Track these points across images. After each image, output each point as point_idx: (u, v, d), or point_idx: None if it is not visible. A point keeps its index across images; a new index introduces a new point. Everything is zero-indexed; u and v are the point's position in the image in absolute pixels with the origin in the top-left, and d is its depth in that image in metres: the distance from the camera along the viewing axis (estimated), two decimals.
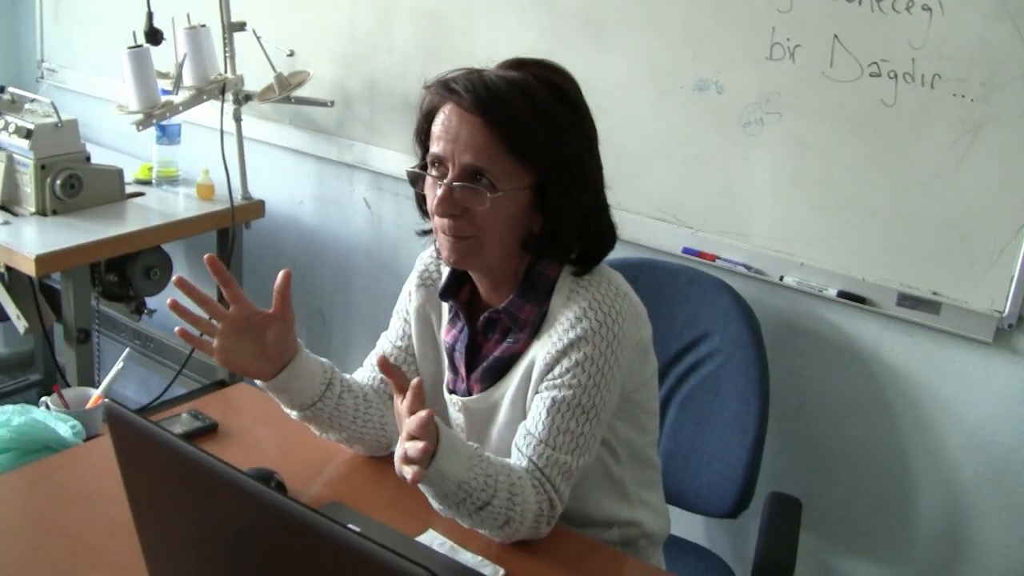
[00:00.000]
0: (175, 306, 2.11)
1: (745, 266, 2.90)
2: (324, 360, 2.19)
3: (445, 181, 1.97)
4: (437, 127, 2.00)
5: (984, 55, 2.47)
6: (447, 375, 2.24)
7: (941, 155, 2.56)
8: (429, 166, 2.03)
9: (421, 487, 1.90)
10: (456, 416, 2.21)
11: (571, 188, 2.00)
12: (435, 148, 2.00)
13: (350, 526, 1.24)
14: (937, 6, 2.49)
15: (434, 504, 1.95)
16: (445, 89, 1.99)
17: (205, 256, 2.09)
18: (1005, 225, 2.53)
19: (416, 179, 2.09)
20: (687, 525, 2.84)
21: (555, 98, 2.00)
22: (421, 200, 2.15)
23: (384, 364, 1.91)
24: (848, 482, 2.94)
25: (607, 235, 2.11)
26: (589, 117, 2.06)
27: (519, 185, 1.97)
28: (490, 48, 3.28)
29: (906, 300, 2.69)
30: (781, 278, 2.86)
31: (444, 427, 1.90)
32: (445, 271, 2.22)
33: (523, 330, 2.08)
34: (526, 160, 1.96)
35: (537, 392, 2.04)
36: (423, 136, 2.08)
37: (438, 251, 2.19)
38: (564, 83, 2.04)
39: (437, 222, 2.03)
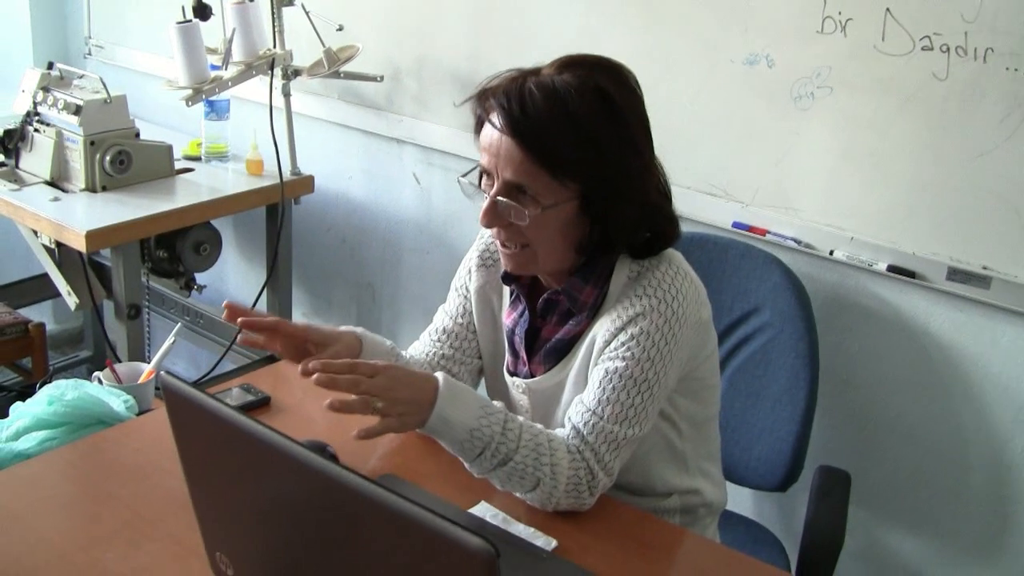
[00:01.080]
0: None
1: (795, 240, 2.90)
2: (386, 340, 2.22)
3: (490, 194, 1.99)
4: (484, 138, 2.01)
5: None
6: (508, 358, 2.25)
7: (992, 129, 2.55)
8: (482, 174, 2.05)
9: (440, 441, 1.96)
10: (520, 398, 2.22)
11: (615, 198, 2.00)
12: (483, 160, 2.02)
13: (406, 496, 1.25)
14: None
15: (465, 464, 1.99)
16: (486, 102, 2.00)
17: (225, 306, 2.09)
18: None
19: (461, 185, 2.12)
20: (737, 498, 2.84)
21: (597, 109, 1.97)
22: None
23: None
24: (897, 456, 2.93)
25: (670, 228, 2.11)
26: (636, 120, 2.04)
27: (561, 199, 1.98)
28: (539, 22, 3.28)
29: (956, 274, 2.68)
30: (831, 252, 2.85)
31: (446, 377, 1.94)
32: None
33: (583, 311, 2.09)
34: (564, 177, 1.96)
35: (595, 366, 2.05)
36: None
37: None
38: (610, 87, 2.00)
39: (492, 233, 2.07)
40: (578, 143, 1.95)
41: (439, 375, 1.94)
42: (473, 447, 1.93)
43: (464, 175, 2.11)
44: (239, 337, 2.16)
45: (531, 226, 1.98)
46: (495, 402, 1.99)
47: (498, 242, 2.08)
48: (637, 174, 2.03)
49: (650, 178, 2.07)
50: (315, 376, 1.83)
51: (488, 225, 2.02)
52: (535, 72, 2.01)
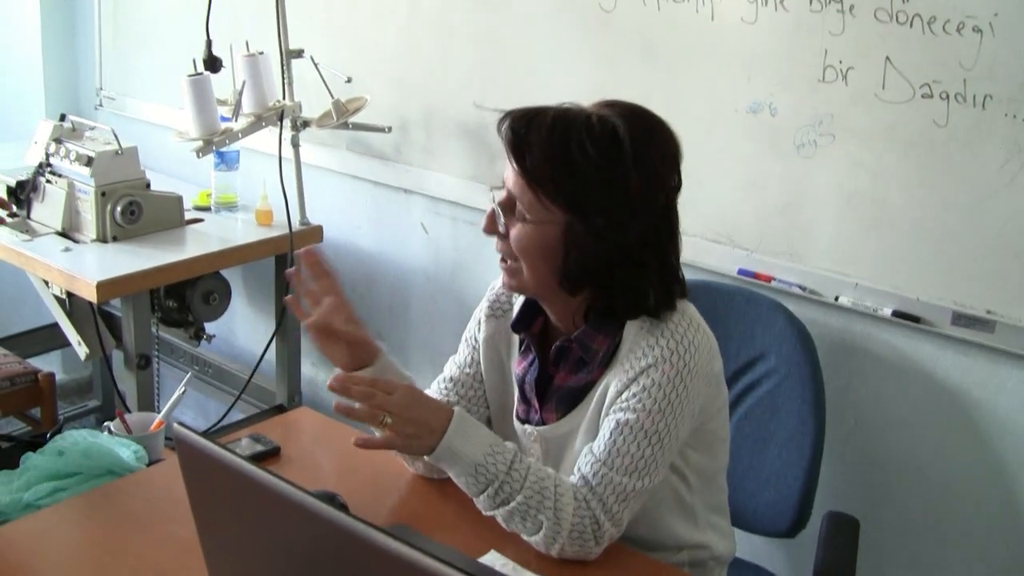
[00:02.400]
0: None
1: (800, 287, 2.91)
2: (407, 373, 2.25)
3: (493, 202, 2.08)
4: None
5: None
6: (518, 406, 2.27)
7: (993, 175, 2.57)
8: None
9: (448, 472, 2.02)
10: (531, 446, 2.23)
11: (592, 235, 2.02)
12: (503, 174, 2.09)
13: (416, 545, 1.26)
14: (987, 27, 2.49)
15: (474, 499, 2.02)
16: (500, 120, 2.07)
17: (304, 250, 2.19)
18: None
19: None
20: (746, 545, 2.84)
21: (601, 142, 2.00)
22: None
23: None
24: (906, 501, 2.93)
25: (677, 286, 2.14)
26: (642, 170, 2.04)
27: (542, 219, 2.02)
28: (547, 73, 3.31)
29: (961, 319, 2.69)
30: (836, 298, 2.87)
31: (461, 410, 2.00)
32: (517, 303, 2.26)
33: (595, 360, 2.11)
34: (547, 199, 2.01)
35: (606, 416, 2.06)
36: None
37: None
38: (630, 132, 2.02)
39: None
40: (561, 170, 2.00)
41: (457, 408, 1.99)
42: (477, 483, 1.96)
43: (496, 188, 2.17)
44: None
45: (514, 237, 2.05)
46: (508, 443, 2.01)
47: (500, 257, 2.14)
48: (618, 219, 2.03)
49: (636, 228, 2.06)
50: (329, 380, 1.92)
51: (484, 229, 2.09)
52: (575, 105, 2.08)
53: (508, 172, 2.04)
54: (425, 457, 2.00)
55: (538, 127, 2.00)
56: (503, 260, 2.11)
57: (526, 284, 2.10)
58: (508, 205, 2.05)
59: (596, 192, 2.00)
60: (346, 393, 1.93)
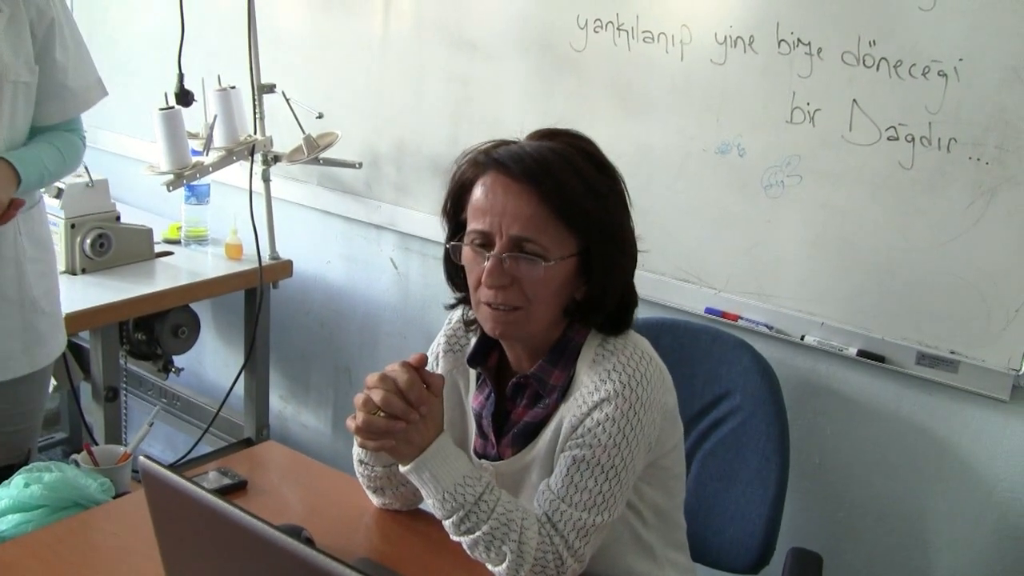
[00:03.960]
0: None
1: (767, 326, 2.93)
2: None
3: (494, 253, 1.98)
4: (479, 200, 2.00)
5: (999, 119, 2.50)
6: (476, 440, 2.25)
7: (958, 217, 2.60)
8: (470, 240, 2.03)
9: (419, 488, 2.00)
10: None
11: (615, 254, 2.03)
12: (479, 223, 2.00)
13: None
14: (952, 72, 2.53)
15: (442, 521, 2.01)
16: (488, 159, 2.00)
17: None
18: (1021, 285, 2.56)
19: (455, 252, 2.10)
20: None
21: (593, 165, 2.02)
22: (452, 271, 2.18)
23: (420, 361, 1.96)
24: (869, 538, 2.95)
25: (633, 301, 2.13)
26: (623, 182, 2.07)
27: (566, 253, 1.99)
28: (518, 112, 3.33)
29: (925, 359, 2.72)
30: (802, 338, 2.89)
31: (447, 438, 1.98)
32: (473, 337, 2.24)
33: (551, 395, 2.10)
34: (573, 228, 1.98)
35: (562, 452, 2.06)
36: (456, 208, 2.10)
37: (465, 318, 2.23)
38: (596, 151, 2.06)
39: (482, 295, 2.03)
40: (587, 194, 1.98)
41: (444, 432, 1.98)
42: (444, 508, 1.96)
43: (450, 243, 2.10)
44: None
45: (538, 282, 1.98)
46: (485, 475, 2.01)
47: (486, 307, 2.04)
48: (630, 233, 2.07)
49: (635, 244, 2.10)
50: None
51: (493, 285, 1.98)
52: (516, 141, 2.06)
53: (510, 218, 1.96)
54: (400, 468, 1.99)
55: (543, 158, 1.97)
56: (502, 310, 2.02)
57: (527, 329, 2.06)
58: (518, 249, 1.97)
59: (614, 212, 2.03)
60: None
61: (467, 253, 2.05)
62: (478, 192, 2.01)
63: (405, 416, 1.90)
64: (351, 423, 1.94)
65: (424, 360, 1.96)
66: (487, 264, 1.98)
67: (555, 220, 1.96)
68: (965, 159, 2.56)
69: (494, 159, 1.99)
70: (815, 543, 2.77)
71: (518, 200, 1.96)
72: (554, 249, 1.97)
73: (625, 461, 2.01)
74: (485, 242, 2.00)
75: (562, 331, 2.11)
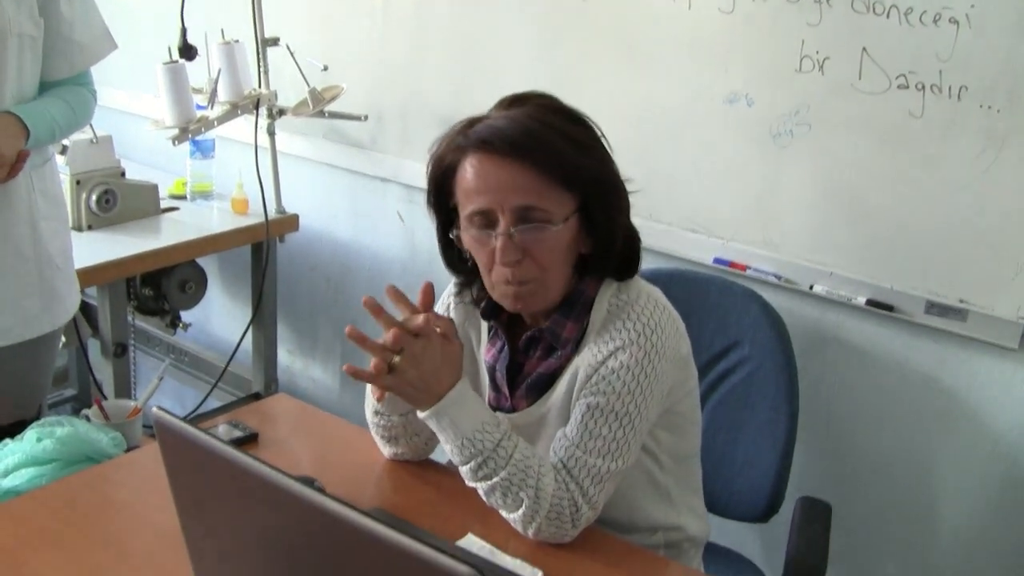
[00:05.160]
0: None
1: (775, 276, 2.93)
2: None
3: (500, 230, 1.98)
4: (470, 182, 1.99)
5: (1010, 66, 2.49)
6: (489, 393, 2.26)
7: (968, 166, 2.59)
8: (470, 223, 2.02)
9: (437, 434, 2.02)
10: None
11: (612, 200, 2.04)
12: (476, 203, 1.99)
13: (394, 525, 1.27)
14: (964, 19, 2.51)
15: (459, 467, 2.02)
16: (468, 141, 1.99)
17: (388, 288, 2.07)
18: None
19: (454, 241, 2.11)
20: (719, 530, 2.85)
21: (570, 121, 2.02)
22: (452, 260, 2.20)
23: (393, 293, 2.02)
24: (877, 487, 2.96)
25: (635, 239, 2.14)
26: (598, 129, 2.07)
27: (568, 213, 1.99)
28: (523, 62, 3.31)
29: (934, 308, 2.71)
30: (811, 287, 2.88)
31: (467, 384, 2.00)
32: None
33: (565, 347, 2.11)
34: (570, 187, 1.98)
35: (576, 400, 2.07)
36: (441, 197, 2.09)
37: (474, 297, 2.24)
38: (566, 107, 2.05)
39: (496, 274, 2.03)
40: (575, 151, 1.98)
41: (464, 379, 1.99)
42: (462, 454, 1.97)
43: (452, 232, 2.10)
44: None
45: (550, 247, 1.99)
46: (503, 422, 2.01)
47: (504, 284, 2.04)
48: (619, 177, 2.08)
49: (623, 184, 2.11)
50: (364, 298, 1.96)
51: (509, 261, 1.98)
52: (485, 116, 2.04)
53: (508, 192, 1.95)
54: (419, 414, 2.00)
55: (525, 128, 1.96)
56: (519, 284, 2.02)
57: (548, 296, 2.07)
58: (524, 221, 1.97)
59: (604, 163, 2.04)
60: (377, 317, 1.97)
61: (471, 237, 2.04)
62: (468, 175, 2.00)
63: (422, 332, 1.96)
64: (349, 368, 1.96)
65: (430, 289, 2.03)
66: (497, 243, 1.98)
67: (552, 184, 1.97)
68: (976, 107, 2.54)
69: (476, 139, 1.98)
70: (824, 492, 2.78)
71: (512, 174, 1.96)
72: (557, 211, 1.98)
73: (639, 408, 2.02)
74: (487, 222, 2.00)
75: (574, 285, 2.11)
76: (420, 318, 1.98)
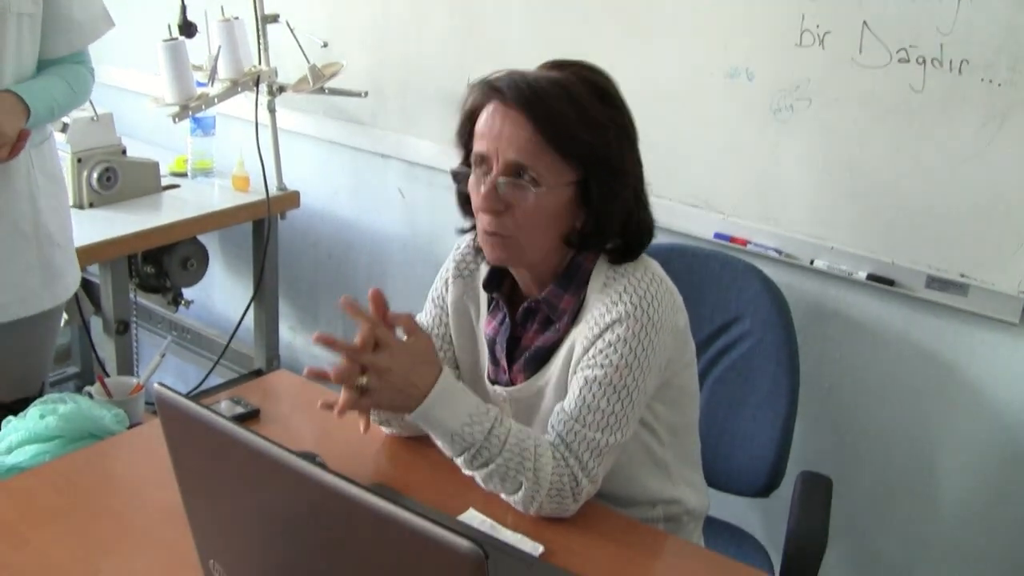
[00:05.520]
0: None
1: (776, 250, 2.93)
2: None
3: (490, 177, 2.00)
4: (481, 125, 2.02)
5: (1011, 40, 2.48)
6: (487, 366, 2.27)
7: (969, 140, 2.59)
8: (473, 164, 2.05)
9: (426, 431, 2.00)
10: (502, 406, 2.22)
11: (613, 184, 2.03)
12: (479, 146, 2.02)
13: (395, 501, 1.27)
14: None
15: (449, 454, 2.01)
16: (488, 88, 2.02)
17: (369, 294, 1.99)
18: None
19: (460, 177, 2.12)
20: (720, 504, 2.86)
21: (596, 96, 2.02)
22: (463, 199, 2.18)
23: (348, 305, 1.93)
24: (878, 462, 2.96)
25: (646, 231, 2.14)
26: (628, 115, 2.08)
27: (562, 181, 2.00)
28: (524, 38, 3.31)
29: (934, 282, 2.72)
30: (811, 262, 2.89)
31: (446, 375, 1.96)
32: (483, 263, 2.25)
33: (562, 319, 2.11)
34: (568, 156, 1.99)
35: (574, 374, 2.07)
36: (466, 135, 2.10)
37: (475, 244, 2.22)
38: (604, 82, 2.05)
39: (480, 221, 2.06)
40: (583, 124, 1.98)
41: (443, 372, 1.96)
42: (454, 447, 1.97)
43: (456, 168, 2.12)
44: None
45: (530, 207, 2.00)
46: (491, 409, 2.00)
47: (484, 234, 2.07)
48: (632, 164, 2.08)
49: (640, 175, 2.11)
50: (315, 335, 1.86)
51: (488, 209, 2.02)
52: (527, 71, 2.05)
53: (506, 142, 1.98)
54: (407, 417, 1.99)
55: (541, 87, 1.98)
56: (497, 236, 2.05)
57: (524, 256, 2.08)
58: (513, 175, 1.99)
59: (613, 143, 2.02)
60: (331, 347, 1.91)
61: (473, 178, 2.06)
62: (482, 117, 2.03)
63: (373, 365, 1.90)
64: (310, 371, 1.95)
65: (378, 296, 1.97)
66: (483, 188, 2.01)
67: (549, 148, 1.98)
68: (977, 81, 2.54)
69: (494, 87, 2.01)
70: (825, 467, 2.78)
71: (514, 126, 1.97)
72: (548, 177, 1.99)
73: (637, 381, 2.02)
74: (486, 168, 2.02)
75: (570, 257, 2.12)
76: (365, 328, 1.94)
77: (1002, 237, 2.60)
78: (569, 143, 1.98)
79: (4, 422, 2.33)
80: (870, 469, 2.98)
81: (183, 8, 3.65)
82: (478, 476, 2.01)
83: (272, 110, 3.83)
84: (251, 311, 4.06)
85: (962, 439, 2.82)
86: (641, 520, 2.17)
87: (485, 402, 2.04)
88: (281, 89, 3.81)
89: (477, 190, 2.03)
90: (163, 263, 3.85)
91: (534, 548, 1.93)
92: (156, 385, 1.59)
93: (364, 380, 1.88)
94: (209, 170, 4.08)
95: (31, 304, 2.82)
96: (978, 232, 2.63)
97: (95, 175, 3.66)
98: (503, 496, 2.02)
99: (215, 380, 4.21)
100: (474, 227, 2.20)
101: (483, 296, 2.26)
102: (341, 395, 1.91)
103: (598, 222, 2.05)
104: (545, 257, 2.10)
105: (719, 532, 2.79)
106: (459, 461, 2.00)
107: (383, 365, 1.89)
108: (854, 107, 2.73)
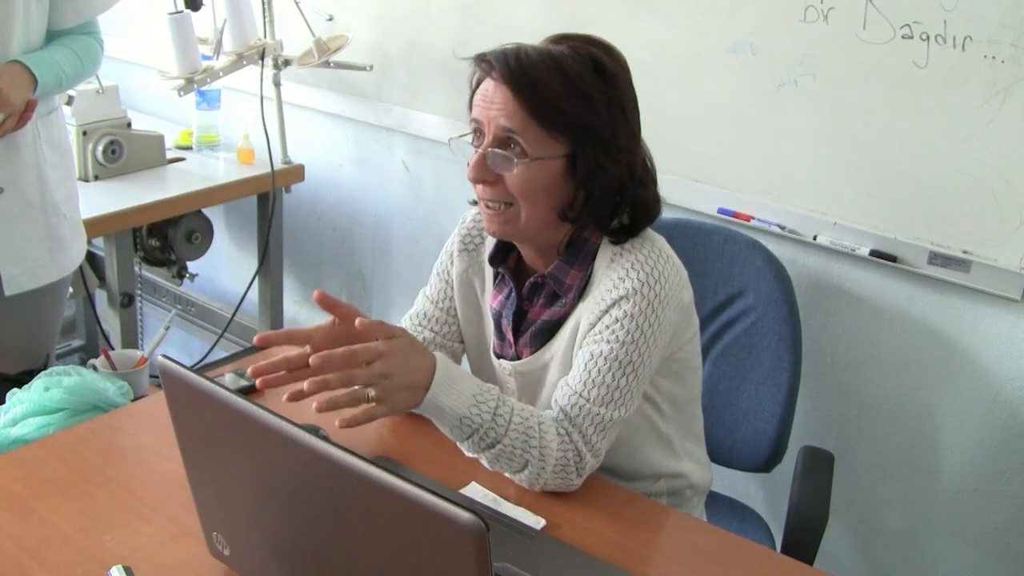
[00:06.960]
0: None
1: (779, 226, 2.94)
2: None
3: (481, 147, 2.02)
4: (477, 94, 2.05)
5: (1015, 16, 2.48)
6: (493, 340, 2.28)
7: (972, 116, 2.59)
8: (473, 134, 2.07)
9: (432, 420, 1.98)
10: (507, 380, 2.25)
11: (602, 158, 2.03)
12: (474, 114, 2.05)
13: (398, 474, 1.28)
14: None
15: (459, 443, 2.01)
16: (481, 61, 2.04)
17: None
18: None
19: (450, 145, 2.15)
20: (722, 479, 2.88)
21: (588, 69, 2.01)
22: None
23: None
24: (879, 437, 2.97)
25: (643, 208, 2.13)
26: (625, 89, 2.07)
27: (550, 154, 2.00)
28: (528, 11, 3.31)
29: (937, 258, 2.72)
30: (815, 237, 2.89)
31: (443, 361, 1.95)
32: (489, 237, 2.26)
33: (568, 294, 2.12)
34: (554, 130, 1.99)
35: (580, 349, 2.08)
36: (470, 107, 2.11)
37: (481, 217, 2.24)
38: (602, 56, 2.05)
39: (476, 190, 2.08)
40: (569, 96, 1.98)
41: (438, 358, 1.94)
42: (462, 431, 1.96)
43: (457, 137, 2.13)
44: None
45: (517, 178, 2.01)
46: (491, 387, 2.00)
47: (482, 205, 2.09)
48: (625, 141, 2.07)
49: (637, 150, 2.11)
50: (306, 384, 1.79)
51: (476, 179, 2.04)
52: (528, 44, 2.06)
53: (496, 112, 2.00)
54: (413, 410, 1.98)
55: (529, 61, 1.99)
56: (492, 207, 2.07)
57: (520, 228, 2.08)
58: (503, 146, 2.01)
59: (603, 117, 2.02)
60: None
61: (473, 146, 2.09)
62: (480, 87, 2.06)
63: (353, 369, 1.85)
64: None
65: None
66: (472, 159, 2.04)
67: (535, 120, 1.99)
68: (980, 57, 2.54)
69: (485, 60, 2.03)
70: (827, 442, 2.80)
71: (503, 98, 1.99)
72: (536, 149, 2.00)
73: (643, 357, 2.03)
74: (480, 138, 2.05)
75: (572, 232, 2.12)
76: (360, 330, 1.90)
77: (1004, 213, 2.60)
78: (554, 115, 1.99)
79: (9, 394, 2.34)
80: (872, 444, 2.99)
81: None
82: (484, 458, 2.00)
83: (277, 83, 3.83)
84: (255, 284, 4.07)
85: (964, 415, 2.82)
86: (644, 494, 2.18)
87: (490, 377, 2.05)
88: (286, 62, 3.81)
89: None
90: (168, 236, 3.86)
91: (536, 522, 1.93)
92: (160, 358, 1.60)
93: (372, 393, 1.83)
94: (214, 143, 4.09)
95: (38, 276, 2.83)
96: (981, 208, 2.63)
97: (100, 148, 3.66)
98: (508, 475, 2.03)
99: (219, 353, 4.22)
100: None
101: (488, 270, 2.27)
102: (355, 412, 1.84)
103: (588, 195, 2.05)
104: (541, 230, 2.10)
105: (721, 506, 2.81)
106: (465, 445, 1.99)
107: (382, 371, 1.84)
108: (858, 83, 2.73)
